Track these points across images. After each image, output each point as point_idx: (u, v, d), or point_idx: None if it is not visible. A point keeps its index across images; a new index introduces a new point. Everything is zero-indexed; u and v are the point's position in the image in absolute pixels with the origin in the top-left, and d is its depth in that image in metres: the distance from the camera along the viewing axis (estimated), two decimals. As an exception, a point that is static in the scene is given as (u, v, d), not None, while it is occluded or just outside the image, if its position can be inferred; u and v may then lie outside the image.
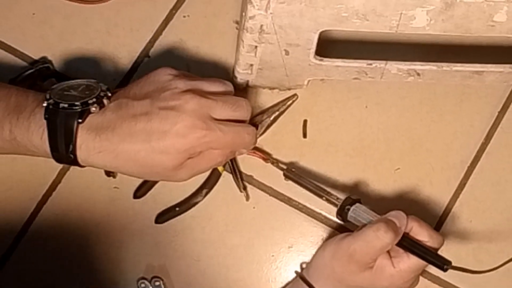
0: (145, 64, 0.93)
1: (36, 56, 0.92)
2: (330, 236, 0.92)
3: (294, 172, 0.89)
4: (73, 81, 0.84)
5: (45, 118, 0.76)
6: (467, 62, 0.87)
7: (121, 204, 0.88)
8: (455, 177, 0.93)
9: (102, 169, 0.84)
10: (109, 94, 0.81)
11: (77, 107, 0.78)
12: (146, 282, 0.85)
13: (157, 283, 0.87)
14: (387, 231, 0.79)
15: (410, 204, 0.93)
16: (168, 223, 0.90)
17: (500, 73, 0.88)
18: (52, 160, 0.81)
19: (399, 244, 0.81)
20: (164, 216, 0.89)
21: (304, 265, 0.90)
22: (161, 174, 0.82)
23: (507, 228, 0.92)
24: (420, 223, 0.83)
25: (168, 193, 0.91)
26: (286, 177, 0.89)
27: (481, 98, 0.94)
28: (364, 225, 0.84)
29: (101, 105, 0.79)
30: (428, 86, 0.93)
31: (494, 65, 0.87)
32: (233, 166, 0.91)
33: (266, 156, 0.91)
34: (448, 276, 0.90)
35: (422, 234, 0.82)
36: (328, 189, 0.88)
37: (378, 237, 0.79)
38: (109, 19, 0.94)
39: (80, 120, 0.77)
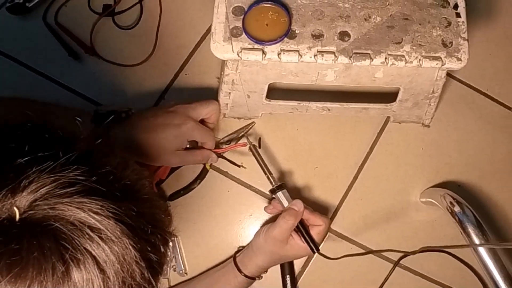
0: (162, 103, 1.01)
1: (86, 94, 0.98)
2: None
3: (256, 150, 0.94)
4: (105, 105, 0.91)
5: (92, 121, 0.86)
6: (359, 102, 0.95)
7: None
8: (351, 173, 1.03)
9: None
10: (132, 111, 0.88)
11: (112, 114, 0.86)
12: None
13: (173, 238, 0.84)
14: (289, 216, 0.89)
15: (324, 189, 1.02)
16: (177, 200, 0.99)
17: (379, 108, 0.97)
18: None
19: (296, 227, 0.90)
20: (174, 196, 0.99)
21: (240, 248, 0.98)
22: (162, 157, 0.88)
23: (382, 204, 1.03)
24: (314, 215, 0.92)
25: (176, 182, 0.99)
26: (250, 150, 0.94)
27: (367, 124, 1.03)
28: (282, 209, 0.92)
29: (128, 113, 0.87)
30: (335, 117, 1.01)
31: (375, 104, 0.96)
32: (229, 161, 0.97)
33: (244, 143, 0.96)
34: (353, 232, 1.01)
35: (317, 221, 0.92)
36: (272, 173, 0.94)
37: (285, 222, 0.89)
38: (140, 75, 1.01)
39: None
